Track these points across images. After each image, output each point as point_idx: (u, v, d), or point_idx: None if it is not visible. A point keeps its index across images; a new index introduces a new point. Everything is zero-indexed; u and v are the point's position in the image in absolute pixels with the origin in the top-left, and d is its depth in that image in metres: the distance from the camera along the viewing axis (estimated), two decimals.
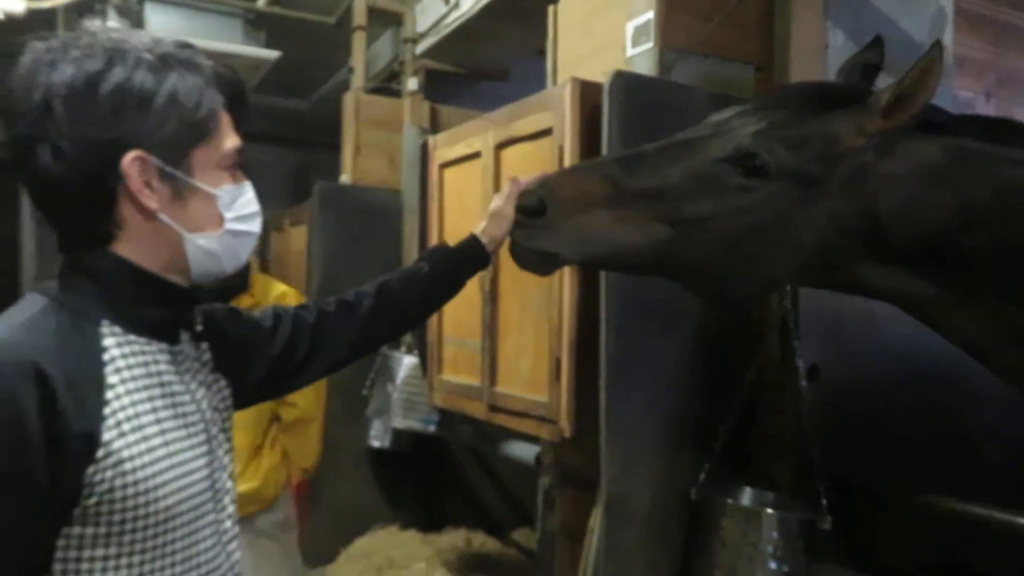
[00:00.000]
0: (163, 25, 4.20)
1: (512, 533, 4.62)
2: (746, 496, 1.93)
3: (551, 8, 2.64)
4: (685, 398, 1.95)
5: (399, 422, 3.66)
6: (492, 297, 2.44)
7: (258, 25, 4.52)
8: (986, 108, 2.61)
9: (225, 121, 1.06)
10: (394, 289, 1.43)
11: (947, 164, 1.32)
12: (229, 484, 1.12)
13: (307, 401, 2.39)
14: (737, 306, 1.98)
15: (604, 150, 1.86)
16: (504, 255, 2.40)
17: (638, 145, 1.71)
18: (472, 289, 2.50)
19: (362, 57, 4.66)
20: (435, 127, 4.47)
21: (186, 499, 1.01)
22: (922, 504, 1.83)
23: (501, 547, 4.45)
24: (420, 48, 4.54)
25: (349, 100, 4.54)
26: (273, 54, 4.42)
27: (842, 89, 1.45)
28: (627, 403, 1.87)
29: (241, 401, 1.23)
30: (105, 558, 0.93)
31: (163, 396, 1.02)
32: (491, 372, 2.45)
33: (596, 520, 2.06)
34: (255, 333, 1.28)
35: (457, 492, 4.58)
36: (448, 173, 2.77)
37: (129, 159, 0.95)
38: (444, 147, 2.76)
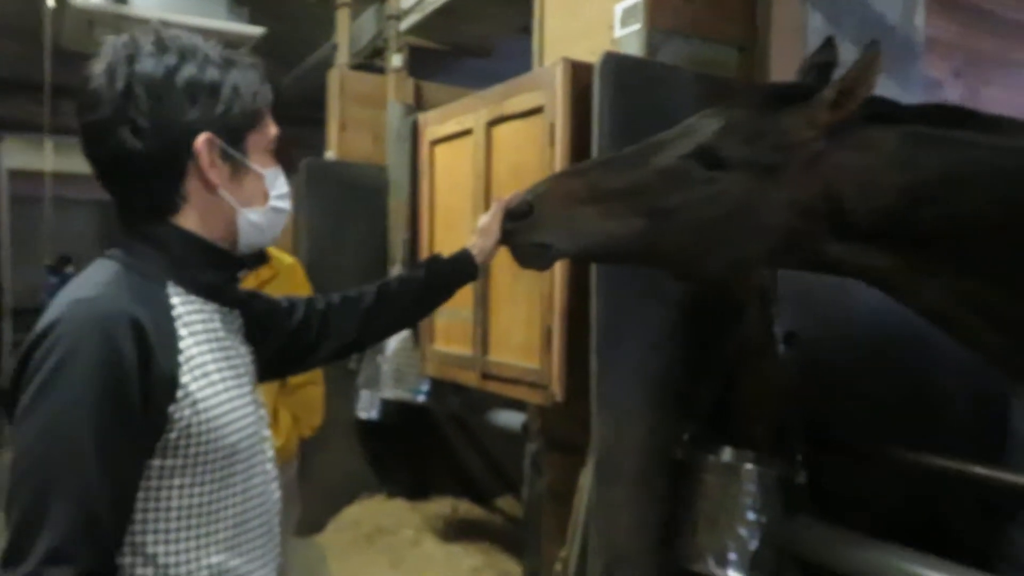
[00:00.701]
0: (147, 1, 4.20)
1: (497, 501, 4.75)
2: (727, 453, 2.05)
3: None
4: (670, 363, 2.06)
5: (389, 393, 3.75)
6: (485, 270, 2.53)
7: (241, 1, 4.53)
8: (955, 87, 2.73)
9: (268, 112, 1.21)
10: (393, 290, 1.59)
11: (899, 148, 1.44)
12: (267, 432, 1.26)
13: None
14: (713, 286, 2.09)
15: (595, 128, 1.95)
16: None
17: (627, 123, 1.84)
18: None
19: (347, 34, 4.68)
20: (419, 104, 4.52)
21: (244, 439, 1.15)
22: (889, 457, 1.97)
23: (486, 514, 4.58)
24: (404, 25, 4.57)
25: (334, 76, 4.57)
26: (257, 30, 4.44)
27: (797, 87, 1.58)
28: (616, 369, 1.98)
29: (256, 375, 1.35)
30: (181, 487, 1.07)
31: (220, 349, 1.16)
32: (483, 342, 2.54)
33: (586, 479, 2.18)
34: (273, 311, 1.43)
35: (443, 461, 4.69)
36: (439, 150, 2.85)
37: (201, 139, 1.10)
38: (435, 124, 2.83)
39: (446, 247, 2.83)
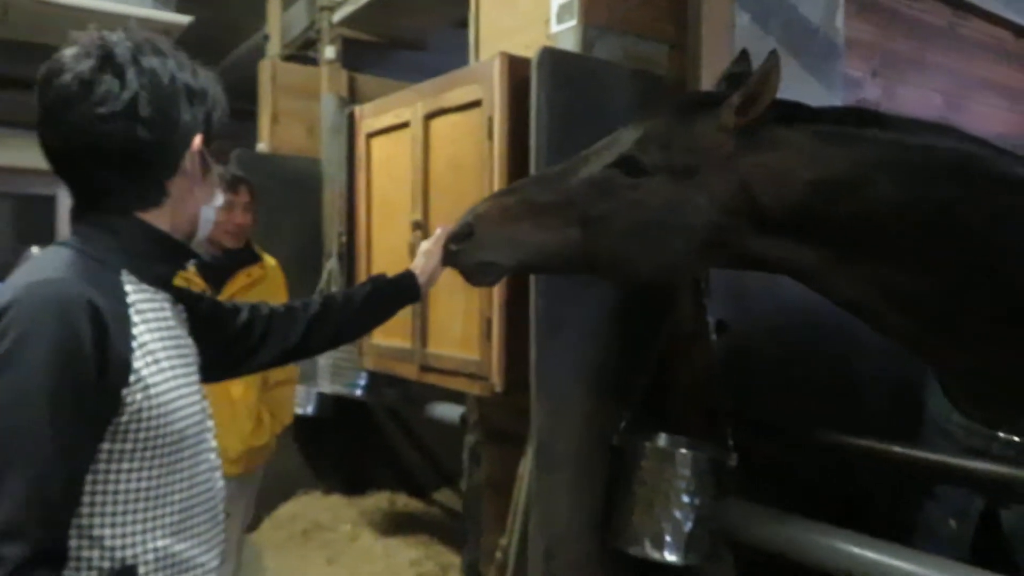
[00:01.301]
0: None
1: (435, 493, 4.77)
2: (662, 439, 2.12)
3: None
4: (607, 352, 2.11)
5: (326, 387, 3.72)
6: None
7: None
8: (873, 86, 2.86)
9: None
10: (337, 304, 1.65)
11: (808, 146, 1.55)
12: (211, 423, 1.28)
13: None
14: (647, 288, 2.14)
15: (532, 122, 1.98)
16: (433, 218, 2.50)
17: (564, 117, 1.90)
18: (401, 255, 2.60)
19: (278, 24, 4.61)
20: (353, 96, 4.48)
21: (191, 426, 1.18)
22: (815, 439, 2.06)
23: (424, 507, 4.59)
24: (337, 16, 4.52)
25: (265, 67, 4.49)
26: (184, 19, 4.33)
27: (710, 95, 1.69)
28: (554, 358, 2.01)
29: None
30: (129, 471, 1.09)
31: (171, 338, 1.19)
32: (422, 334, 2.55)
33: (526, 467, 2.22)
34: (218, 311, 1.47)
35: (381, 455, 4.67)
36: (376, 143, 2.83)
37: (198, 140, 1.20)
38: (372, 117, 2.81)
39: (383, 240, 2.84)
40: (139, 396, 1.08)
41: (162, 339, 1.16)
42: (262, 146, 4.47)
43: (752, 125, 1.56)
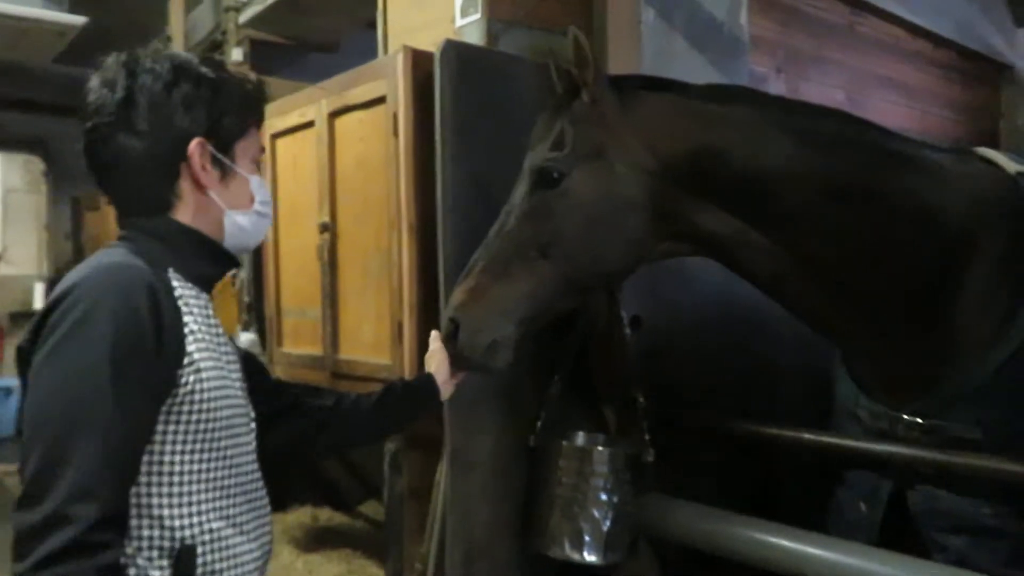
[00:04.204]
0: None
1: (360, 506, 4.64)
2: (579, 438, 2.09)
3: None
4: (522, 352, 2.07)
5: None
6: (332, 266, 2.46)
7: None
8: (777, 83, 2.91)
9: (255, 125, 1.35)
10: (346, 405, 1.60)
11: (681, 104, 1.65)
12: (254, 414, 1.34)
13: None
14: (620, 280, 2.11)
15: (437, 117, 1.93)
16: (341, 219, 2.43)
17: (469, 112, 1.93)
18: (310, 258, 2.51)
19: (181, 26, 4.45)
20: None
21: (238, 414, 1.24)
22: (727, 429, 2.07)
23: (349, 520, 4.45)
24: (243, 17, 4.38)
25: None
26: (79, 20, 4.13)
27: (558, 94, 1.72)
28: None
29: None
30: (182, 452, 1.14)
31: (214, 333, 1.24)
32: (333, 340, 2.47)
33: (442, 472, 2.16)
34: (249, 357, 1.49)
35: (298, 470, 4.52)
36: (281, 143, 2.74)
37: (194, 144, 1.23)
38: (276, 116, 2.71)
39: (291, 244, 2.74)
40: (191, 378, 1.13)
41: (208, 332, 1.21)
42: None
43: (621, 92, 1.65)
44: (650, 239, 1.67)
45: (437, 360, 1.68)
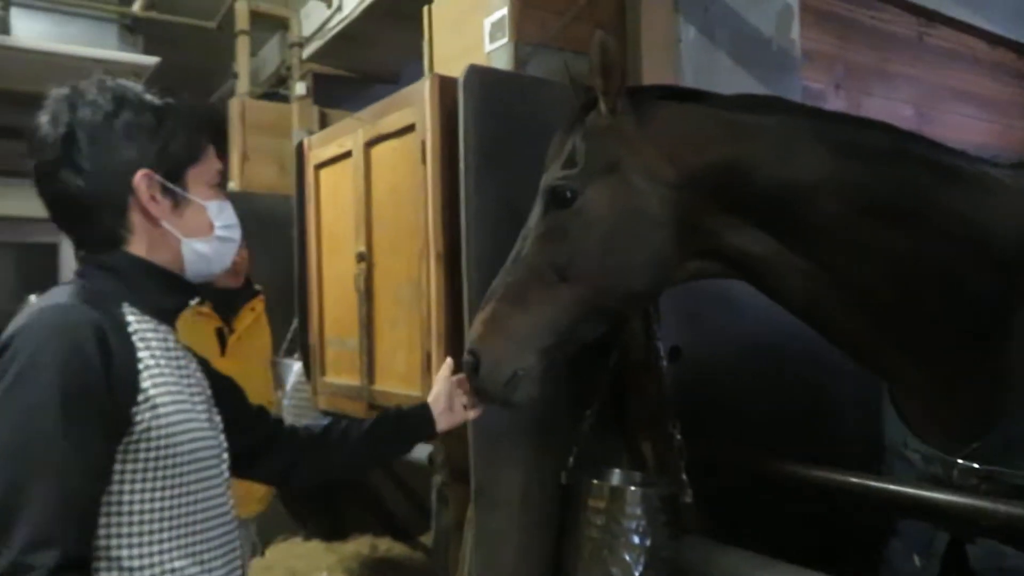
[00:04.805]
0: (31, 31, 4.04)
1: (420, 536, 4.59)
2: (613, 476, 1.98)
3: (425, 8, 2.67)
4: (553, 383, 1.97)
5: None
6: (368, 295, 2.44)
7: (135, 30, 4.40)
8: (836, 99, 2.76)
9: (210, 148, 1.30)
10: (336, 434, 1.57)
11: (705, 114, 1.56)
12: (226, 444, 1.30)
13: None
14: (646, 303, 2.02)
15: (460, 143, 1.89)
16: (377, 249, 2.41)
17: (495, 137, 1.89)
18: (349, 288, 2.50)
19: (247, 62, 4.59)
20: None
21: (201, 448, 1.20)
22: (778, 473, 1.92)
23: (408, 550, 4.41)
24: (307, 52, 4.50)
25: (235, 106, 4.46)
26: (152, 60, 4.31)
27: (575, 110, 1.65)
28: None
29: None
30: (142, 491, 1.11)
31: (176, 365, 1.22)
32: (369, 370, 2.44)
33: (471, 510, 2.09)
34: (232, 387, 1.46)
35: (360, 499, 4.52)
36: (323, 174, 2.76)
37: (139, 176, 1.19)
38: (318, 147, 2.74)
39: (333, 275, 2.74)
40: (147, 415, 1.11)
41: (167, 362, 1.19)
42: (232, 185, 4.42)
43: (639, 103, 1.56)
44: (673, 257, 1.57)
45: (436, 389, 1.65)
